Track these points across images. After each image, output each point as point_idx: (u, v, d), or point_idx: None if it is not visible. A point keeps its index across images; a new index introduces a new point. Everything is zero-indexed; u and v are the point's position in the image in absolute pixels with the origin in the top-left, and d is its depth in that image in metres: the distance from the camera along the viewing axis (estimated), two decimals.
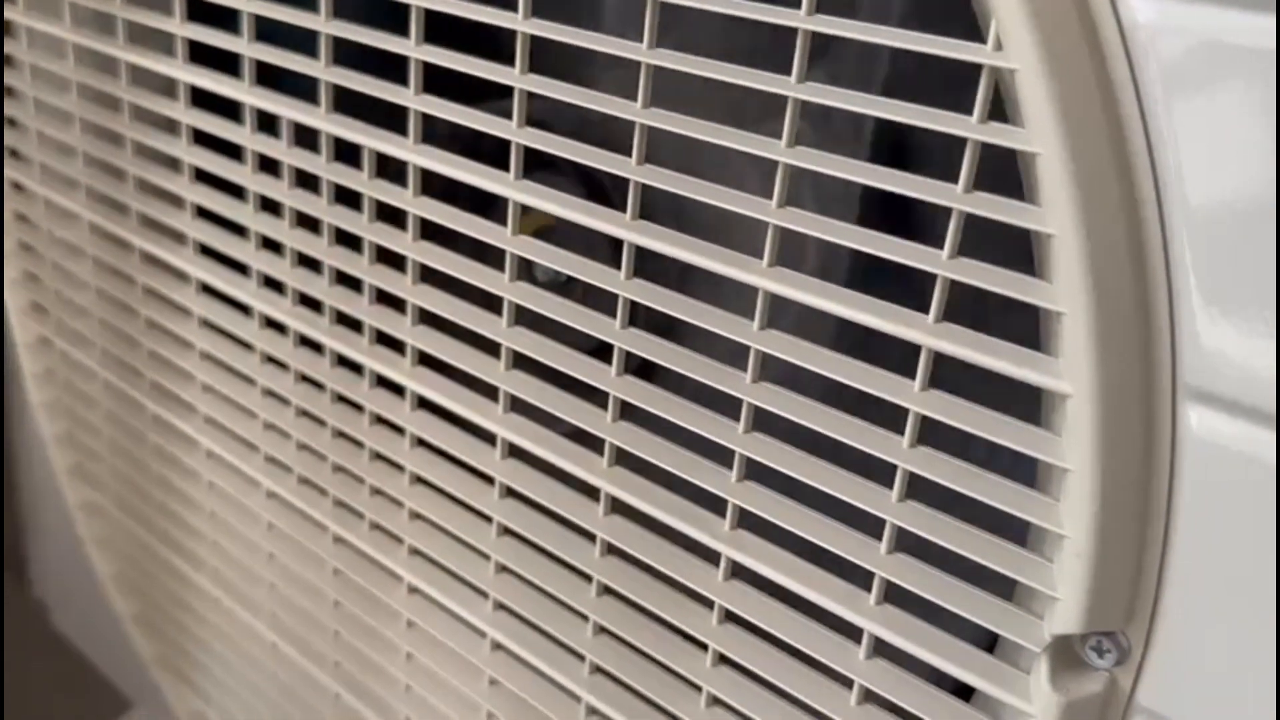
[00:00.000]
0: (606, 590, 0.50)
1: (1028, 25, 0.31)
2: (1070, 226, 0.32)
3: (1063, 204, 0.32)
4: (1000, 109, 0.34)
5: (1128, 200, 0.33)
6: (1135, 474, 0.35)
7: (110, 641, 0.89)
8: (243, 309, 0.63)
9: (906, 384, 0.38)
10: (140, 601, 0.83)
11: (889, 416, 0.39)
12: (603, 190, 0.52)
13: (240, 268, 0.62)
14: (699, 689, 0.47)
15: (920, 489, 0.39)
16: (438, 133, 0.50)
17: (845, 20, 0.36)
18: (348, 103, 0.52)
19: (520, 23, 0.44)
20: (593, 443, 0.48)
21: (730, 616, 0.46)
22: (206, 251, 0.63)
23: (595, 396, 0.47)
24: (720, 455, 0.43)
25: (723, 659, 0.46)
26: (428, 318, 0.53)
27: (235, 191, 0.60)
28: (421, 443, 0.55)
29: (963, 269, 0.35)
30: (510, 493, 0.52)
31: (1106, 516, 0.35)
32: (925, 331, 0.36)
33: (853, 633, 0.42)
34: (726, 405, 0.43)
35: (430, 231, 0.51)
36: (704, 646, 0.47)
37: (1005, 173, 0.35)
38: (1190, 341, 0.34)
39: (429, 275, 0.52)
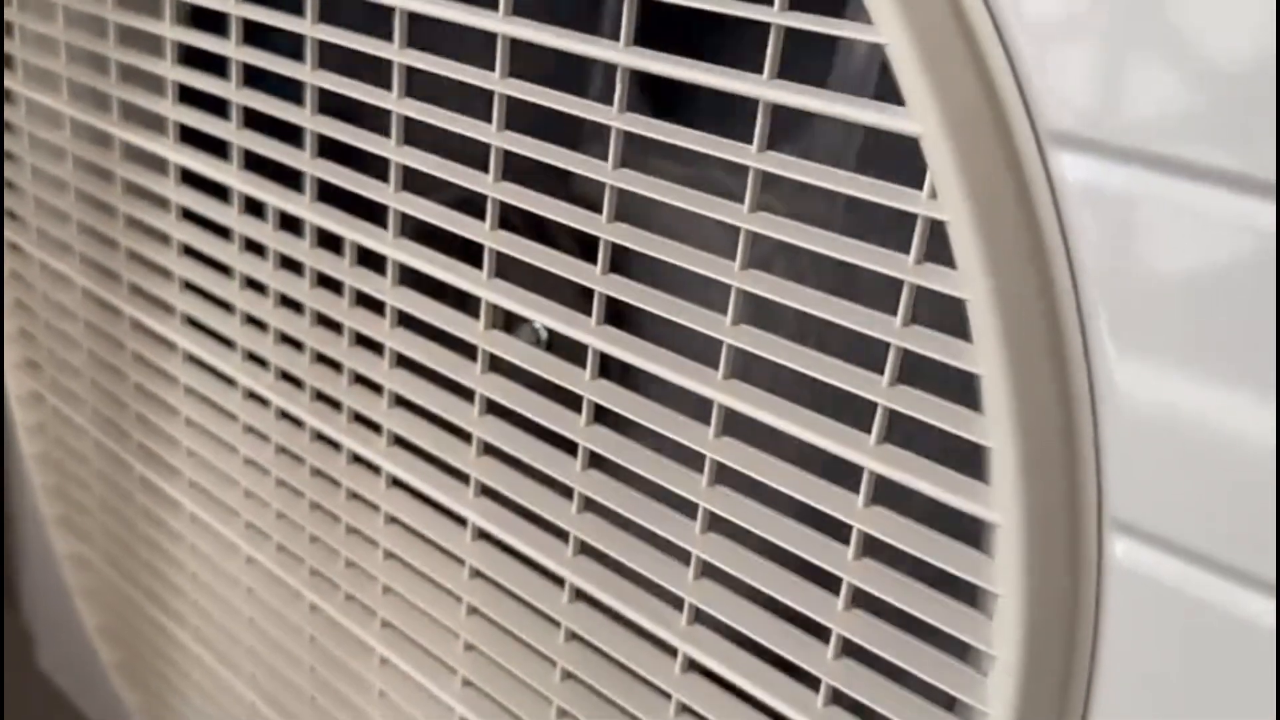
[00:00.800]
0: (569, 675, 0.51)
1: (959, 179, 0.33)
2: (998, 369, 0.34)
3: (990, 349, 0.34)
4: None
5: (1055, 342, 0.34)
6: (1062, 600, 0.36)
7: (94, 687, 0.90)
8: (227, 380, 0.64)
9: (850, 498, 0.40)
10: (125, 652, 0.84)
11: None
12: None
13: (226, 340, 0.63)
14: None
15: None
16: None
17: (793, 159, 0.37)
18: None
19: (494, 136, 0.46)
20: (561, 531, 0.49)
21: (686, 709, 0.47)
22: (194, 322, 0.65)
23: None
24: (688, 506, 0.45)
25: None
26: (405, 400, 0.55)
27: (224, 267, 0.62)
28: (396, 520, 0.57)
29: (901, 398, 0.37)
30: (479, 573, 0.54)
31: (1033, 639, 0.36)
32: (866, 454, 0.38)
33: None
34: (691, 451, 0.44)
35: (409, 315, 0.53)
36: None
37: None
38: (1115, 474, 0.35)
39: (407, 358, 0.54)
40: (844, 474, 0.40)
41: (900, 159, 0.36)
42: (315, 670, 0.65)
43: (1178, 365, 0.33)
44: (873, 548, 0.40)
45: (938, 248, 0.35)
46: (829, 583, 0.42)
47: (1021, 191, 0.34)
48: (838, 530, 0.41)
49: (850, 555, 0.40)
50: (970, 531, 0.39)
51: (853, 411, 0.39)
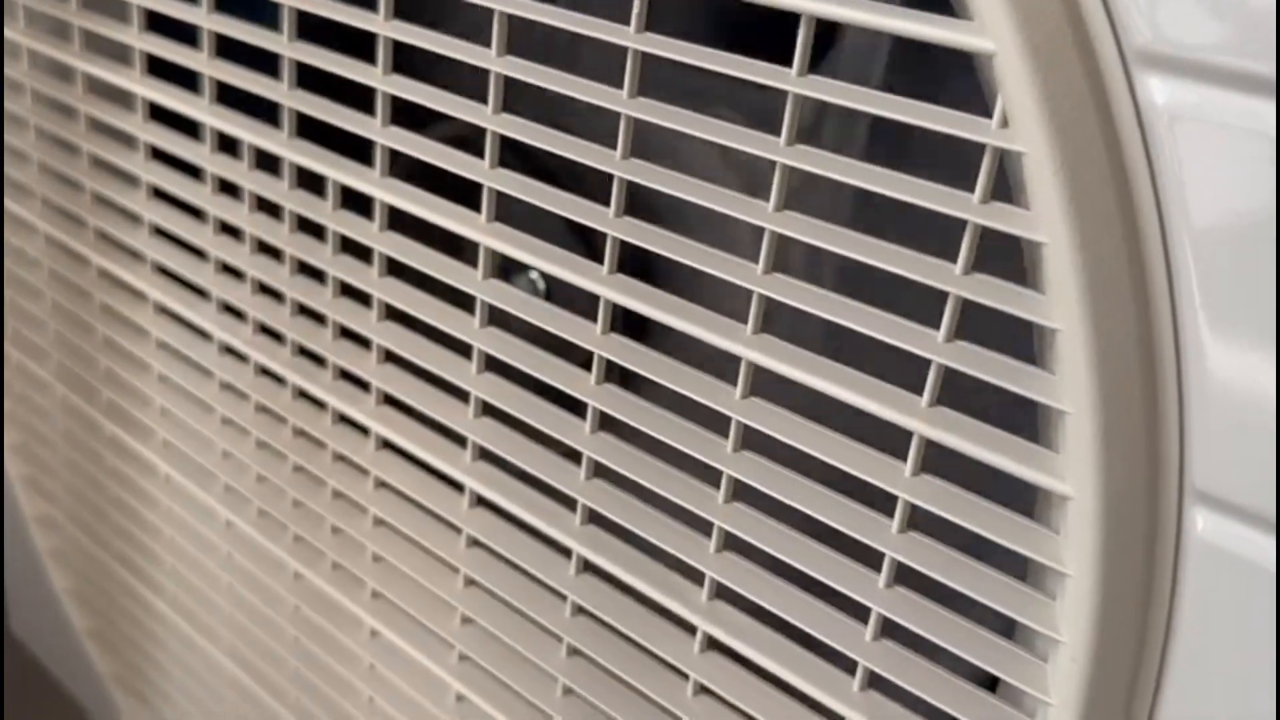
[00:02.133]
0: (576, 651, 0.47)
1: (1039, 104, 0.29)
2: (1078, 323, 0.30)
3: (1070, 298, 0.30)
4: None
5: (1140, 294, 0.30)
6: (1137, 579, 0.33)
7: (66, 653, 0.86)
8: (202, 333, 0.60)
9: (896, 467, 0.36)
10: (97, 618, 0.80)
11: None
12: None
13: (199, 290, 0.59)
14: None
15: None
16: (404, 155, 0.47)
17: (836, 83, 0.33)
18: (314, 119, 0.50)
19: (493, 61, 0.41)
20: (568, 498, 0.45)
21: (713, 646, 0.43)
22: (165, 271, 0.61)
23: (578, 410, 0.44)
24: (708, 472, 0.40)
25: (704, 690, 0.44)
26: (396, 355, 0.50)
27: (197, 211, 0.57)
28: (386, 484, 0.53)
29: (960, 355, 0.33)
30: (477, 542, 0.50)
31: (1106, 623, 0.33)
32: (920, 418, 0.34)
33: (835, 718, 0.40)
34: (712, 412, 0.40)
35: (399, 263, 0.48)
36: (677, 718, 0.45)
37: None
38: (1199, 440, 0.31)
39: (397, 310, 0.49)
40: (886, 444, 0.36)
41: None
42: (300, 641, 0.61)
43: (1276, 317, 0.29)
44: (919, 524, 0.36)
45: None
46: (866, 557, 0.38)
47: (1104, 119, 0.30)
48: (875, 503, 0.37)
49: (895, 528, 0.36)
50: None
51: (897, 377, 0.35)
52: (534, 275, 0.55)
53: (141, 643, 0.76)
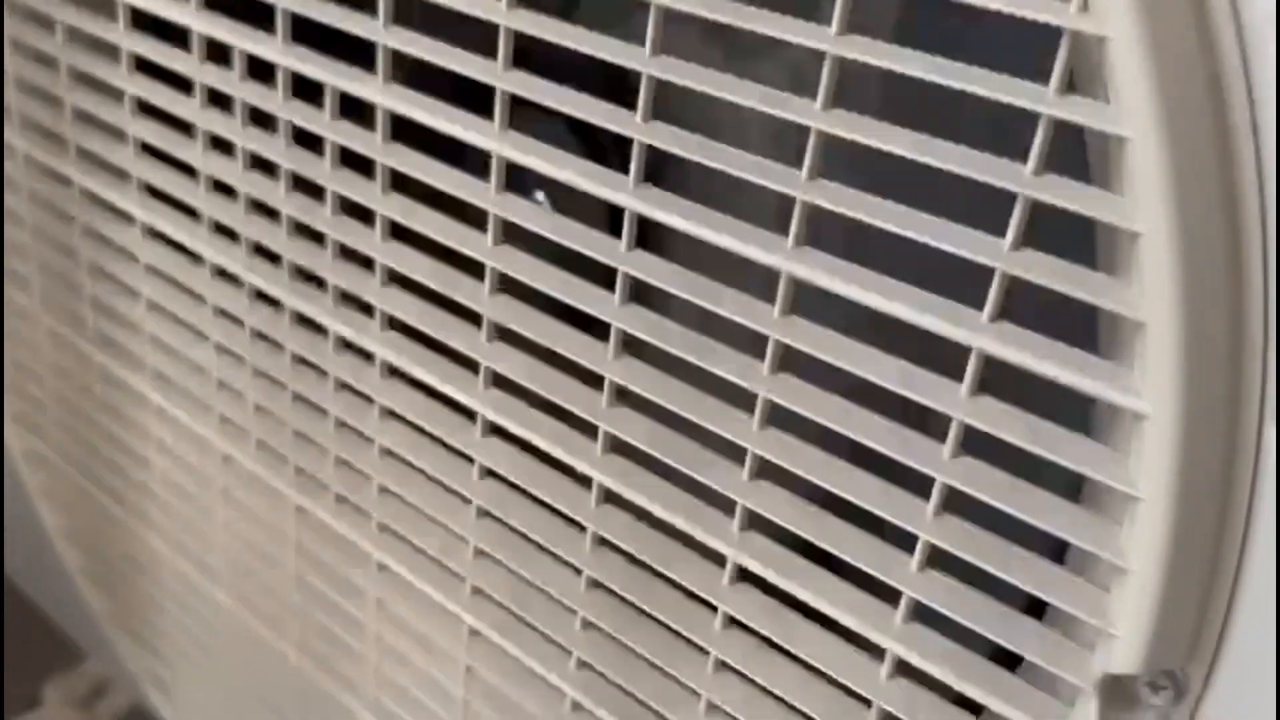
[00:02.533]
0: (596, 584, 0.45)
1: None
2: (1164, 224, 0.27)
3: (1157, 197, 0.27)
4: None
5: (1228, 194, 0.28)
6: (1213, 503, 0.30)
7: (59, 592, 0.84)
8: (193, 255, 0.57)
9: (951, 387, 0.33)
10: (89, 556, 0.78)
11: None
12: (598, 140, 0.46)
13: (190, 209, 0.56)
14: (697, 695, 0.43)
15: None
16: (405, 62, 0.44)
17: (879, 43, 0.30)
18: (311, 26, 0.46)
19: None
20: (588, 424, 0.43)
21: (734, 621, 0.41)
22: (153, 190, 0.57)
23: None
24: (740, 398, 0.38)
25: (724, 665, 0.42)
26: (401, 277, 0.47)
27: (185, 125, 0.54)
28: (393, 413, 0.50)
29: (1027, 262, 0.31)
30: (491, 473, 0.47)
31: (1180, 551, 0.30)
32: (976, 331, 0.32)
33: (872, 650, 0.38)
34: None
35: (405, 178, 0.45)
36: (704, 651, 0.43)
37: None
38: None
39: (402, 228, 0.46)
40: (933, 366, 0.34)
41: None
42: (304, 578, 0.58)
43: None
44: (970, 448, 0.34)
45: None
46: (910, 482, 0.36)
47: (1198, 5, 0.27)
48: (921, 425, 0.35)
49: (947, 454, 0.34)
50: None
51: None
52: (539, 196, 0.52)
53: (137, 581, 0.73)
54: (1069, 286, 0.30)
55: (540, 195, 0.51)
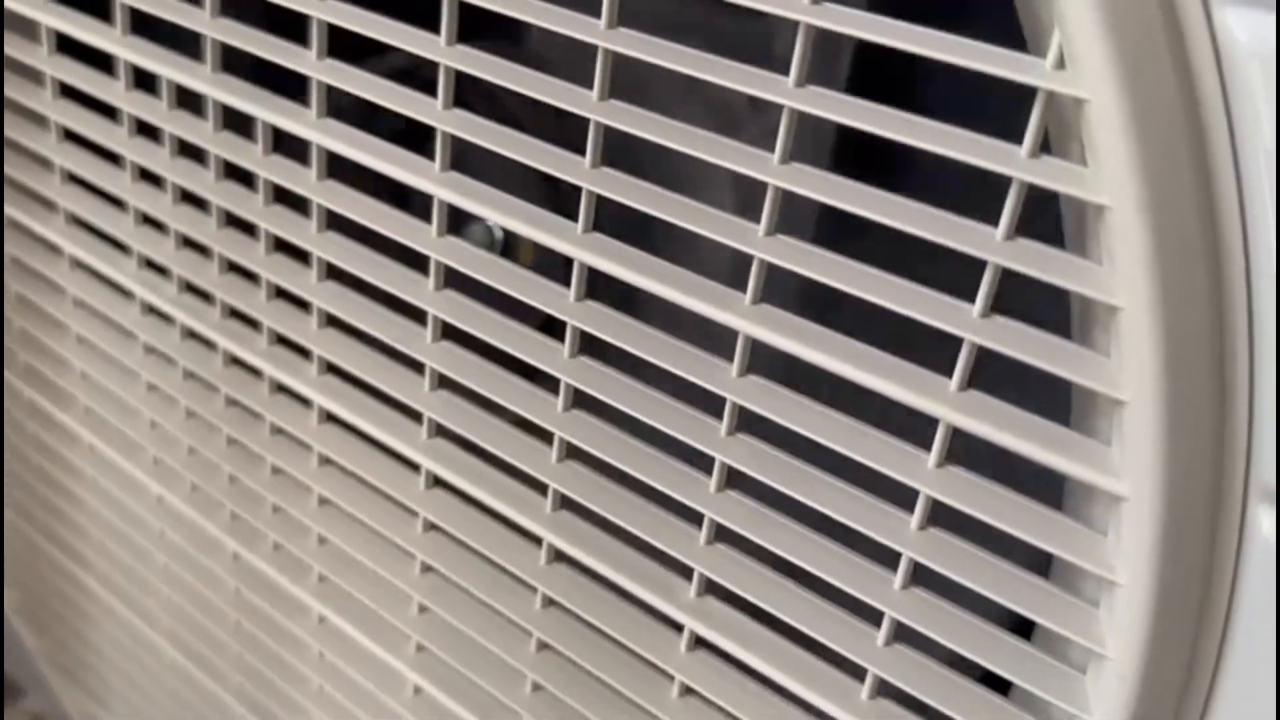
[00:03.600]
0: (545, 647, 0.43)
1: (1108, 40, 0.24)
2: (1145, 297, 0.26)
3: (1139, 270, 0.25)
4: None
5: (1213, 265, 0.26)
6: (1195, 587, 0.29)
7: None
8: (123, 291, 0.54)
9: (917, 457, 0.31)
10: (24, 594, 0.75)
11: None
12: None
13: (119, 243, 0.53)
14: None
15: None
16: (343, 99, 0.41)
17: (854, 12, 0.28)
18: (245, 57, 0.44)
19: None
20: (538, 481, 0.41)
21: (690, 690, 0.39)
22: (80, 222, 0.54)
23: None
24: (697, 460, 0.36)
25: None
26: (340, 320, 0.45)
27: (113, 155, 0.51)
28: (332, 461, 0.48)
29: (998, 332, 0.29)
30: (436, 526, 0.45)
31: (1160, 637, 0.29)
32: (946, 405, 0.30)
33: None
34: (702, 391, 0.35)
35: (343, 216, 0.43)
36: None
37: None
38: (1270, 434, 0.27)
39: (340, 269, 0.44)
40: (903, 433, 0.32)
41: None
42: (242, 625, 0.56)
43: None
44: (938, 521, 0.32)
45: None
46: (875, 553, 0.34)
47: (1179, 59, 0.25)
48: (886, 494, 0.33)
49: (914, 525, 0.32)
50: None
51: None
52: (491, 223, 0.50)
53: (73, 621, 0.70)
54: (1043, 359, 0.28)
55: (490, 221, 0.49)
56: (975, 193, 0.28)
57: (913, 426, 0.31)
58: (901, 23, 0.27)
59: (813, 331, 0.31)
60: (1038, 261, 0.27)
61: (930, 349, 0.30)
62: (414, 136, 0.40)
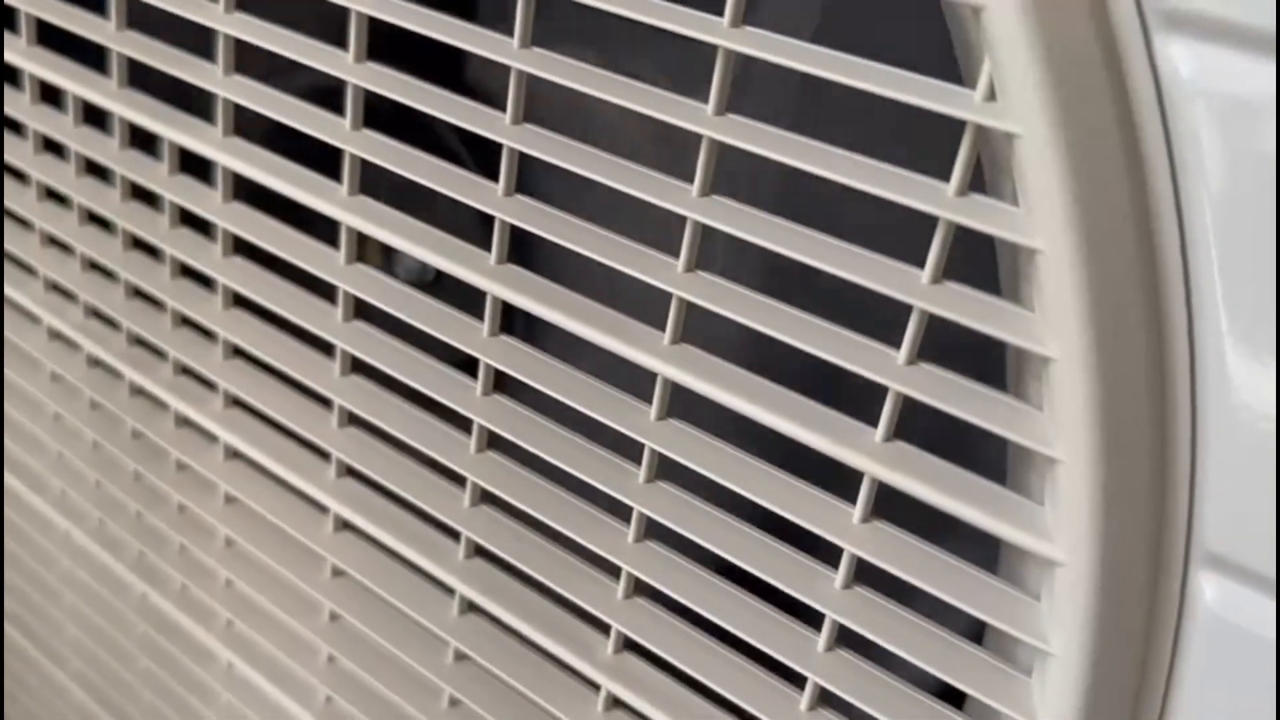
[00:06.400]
0: (457, 703, 0.40)
1: (1042, 71, 0.22)
2: (1079, 349, 0.24)
3: (1071, 319, 0.24)
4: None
5: (1153, 315, 0.24)
6: (1131, 656, 0.27)
7: None
8: (28, 315, 0.51)
9: (843, 512, 0.29)
10: None
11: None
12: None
13: (24, 265, 0.50)
14: None
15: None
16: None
17: (777, 37, 0.26)
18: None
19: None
20: (450, 527, 0.38)
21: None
22: None
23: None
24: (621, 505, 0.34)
25: None
26: (245, 352, 0.42)
27: (17, 172, 0.49)
28: (236, 499, 0.45)
29: (924, 381, 0.27)
30: (343, 573, 0.42)
31: (1095, 710, 0.27)
32: (871, 457, 0.28)
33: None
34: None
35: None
36: None
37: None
38: (1215, 491, 0.25)
39: (246, 298, 0.41)
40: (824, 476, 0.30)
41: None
42: (152, 671, 0.53)
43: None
44: (870, 580, 0.30)
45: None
46: (797, 608, 0.31)
47: (1118, 94, 0.23)
48: (803, 543, 0.31)
49: (838, 583, 0.30)
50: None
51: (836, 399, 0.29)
52: None
53: None
54: (970, 410, 0.26)
55: None
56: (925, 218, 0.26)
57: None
58: (824, 50, 0.25)
59: (732, 375, 0.29)
60: (964, 307, 0.26)
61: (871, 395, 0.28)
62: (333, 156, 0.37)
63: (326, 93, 0.38)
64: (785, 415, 0.28)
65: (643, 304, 0.31)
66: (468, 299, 0.36)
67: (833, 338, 0.27)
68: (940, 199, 0.25)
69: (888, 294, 0.26)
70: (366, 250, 0.38)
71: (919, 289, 0.26)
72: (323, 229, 0.38)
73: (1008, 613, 0.27)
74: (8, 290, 0.51)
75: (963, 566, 0.28)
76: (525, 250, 0.34)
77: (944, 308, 0.25)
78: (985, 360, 0.27)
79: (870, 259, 0.26)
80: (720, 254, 0.32)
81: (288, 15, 0.37)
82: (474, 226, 0.41)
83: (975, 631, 0.30)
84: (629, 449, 0.33)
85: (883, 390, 0.27)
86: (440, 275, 0.50)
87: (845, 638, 0.31)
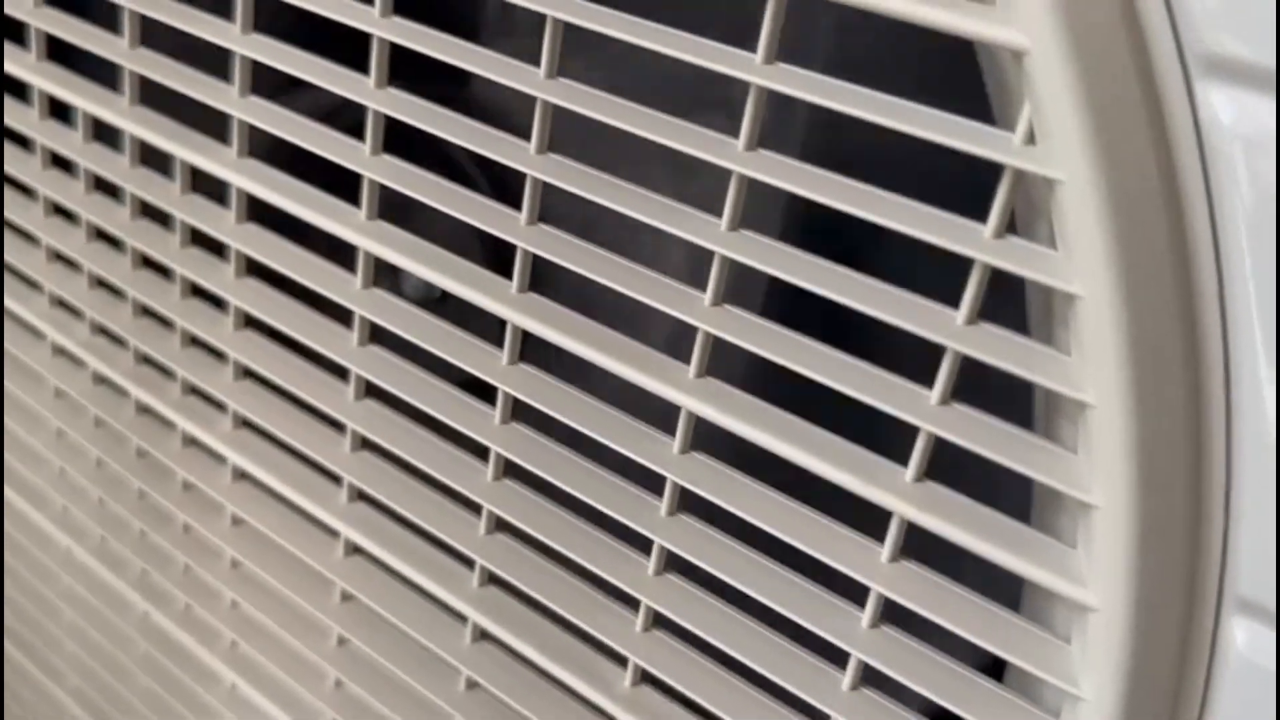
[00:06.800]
0: None
1: (1084, 116, 0.22)
2: (1118, 395, 0.23)
3: (1110, 365, 0.23)
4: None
5: (1191, 361, 0.24)
6: (1163, 701, 0.26)
7: None
8: (32, 330, 0.51)
9: (871, 550, 0.29)
10: None
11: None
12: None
13: (29, 280, 0.50)
14: None
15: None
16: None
17: (815, 77, 0.26)
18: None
19: (376, 23, 0.33)
20: (464, 554, 0.38)
21: None
22: None
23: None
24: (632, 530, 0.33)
25: None
26: (256, 372, 0.42)
27: (25, 188, 0.48)
28: (244, 520, 0.45)
29: (958, 422, 0.26)
30: (353, 598, 0.42)
31: None
32: (901, 498, 0.27)
33: None
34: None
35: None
36: None
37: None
38: (1249, 535, 0.25)
39: (257, 319, 0.41)
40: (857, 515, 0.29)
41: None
42: (153, 691, 0.52)
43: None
44: (896, 619, 0.30)
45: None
46: (824, 647, 0.31)
47: (1159, 139, 0.23)
48: (836, 584, 0.31)
49: (865, 622, 0.30)
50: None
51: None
52: None
53: None
54: (1004, 453, 0.26)
55: None
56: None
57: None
58: (859, 88, 0.25)
59: (759, 412, 0.29)
60: (1000, 349, 0.25)
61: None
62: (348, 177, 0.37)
63: (330, 112, 0.38)
64: (814, 453, 0.28)
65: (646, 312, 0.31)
66: (476, 315, 0.36)
67: (864, 376, 0.27)
68: (977, 241, 0.25)
69: (921, 335, 0.26)
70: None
71: (953, 330, 0.25)
72: (317, 237, 0.38)
73: (1038, 656, 0.27)
74: (10, 304, 0.50)
75: (992, 608, 0.28)
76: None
77: (979, 350, 0.25)
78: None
79: (903, 298, 0.26)
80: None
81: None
82: (470, 236, 0.41)
83: (986, 664, 0.30)
84: (638, 469, 0.33)
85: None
86: (447, 292, 0.50)
87: (871, 677, 0.30)
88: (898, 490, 0.27)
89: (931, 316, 0.26)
